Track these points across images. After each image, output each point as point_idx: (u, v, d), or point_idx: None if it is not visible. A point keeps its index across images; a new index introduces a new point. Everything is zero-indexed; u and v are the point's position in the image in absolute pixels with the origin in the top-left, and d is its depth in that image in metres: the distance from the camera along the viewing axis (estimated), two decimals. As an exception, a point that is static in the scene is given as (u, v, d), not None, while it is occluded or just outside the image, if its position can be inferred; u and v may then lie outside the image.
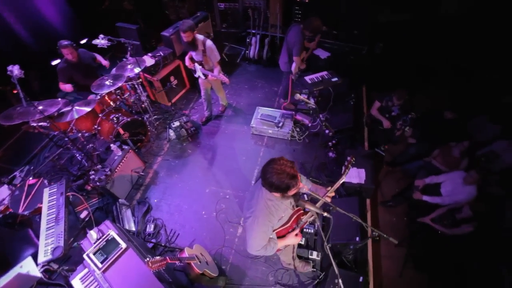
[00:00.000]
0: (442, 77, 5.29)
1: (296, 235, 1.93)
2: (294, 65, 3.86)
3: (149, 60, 4.00)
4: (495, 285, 3.09)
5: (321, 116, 4.35)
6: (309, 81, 3.92)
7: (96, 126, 3.65)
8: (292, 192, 1.55)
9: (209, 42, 3.38)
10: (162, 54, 4.23)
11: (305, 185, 1.76)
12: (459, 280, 3.21)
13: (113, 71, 3.69)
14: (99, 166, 3.26)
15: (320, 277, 2.79)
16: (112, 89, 3.40)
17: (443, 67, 5.34)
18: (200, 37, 3.36)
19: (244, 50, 5.71)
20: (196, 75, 3.83)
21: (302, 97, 2.62)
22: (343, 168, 1.92)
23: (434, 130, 4.42)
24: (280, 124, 4.09)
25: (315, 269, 2.84)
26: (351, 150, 3.80)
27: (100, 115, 3.66)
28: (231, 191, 3.58)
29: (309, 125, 4.31)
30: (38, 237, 2.70)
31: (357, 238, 2.86)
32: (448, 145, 4.01)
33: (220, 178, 3.73)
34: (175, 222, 3.30)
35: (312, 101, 4.55)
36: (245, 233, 1.76)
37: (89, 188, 3.59)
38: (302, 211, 1.94)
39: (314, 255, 2.89)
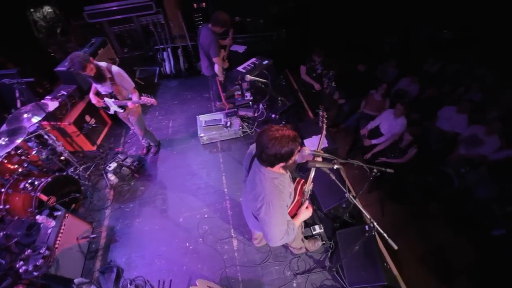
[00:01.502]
0: (339, 44, 6.13)
1: (307, 207, 1.82)
2: (216, 66, 3.76)
3: (51, 104, 3.24)
4: (449, 185, 3.69)
5: (261, 104, 4.43)
6: (243, 70, 3.90)
7: (1, 206, 2.73)
8: (295, 156, 1.43)
9: (115, 68, 2.81)
10: (65, 93, 3.49)
11: (306, 148, 1.66)
12: (424, 193, 3.71)
13: (4, 127, 2.83)
14: (29, 251, 2.42)
15: (331, 246, 2.75)
16: (10, 149, 2.59)
17: (336, 36, 6.22)
18: (102, 64, 2.79)
19: (158, 68, 5.32)
20: (112, 111, 3.16)
21: (253, 77, 2.54)
22: (320, 124, 1.94)
23: (353, 85, 5.02)
24: (228, 124, 3.94)
25: (323, 242, 2.79)
26: (302, 123, 3.95)
27: (2, 190, 2.76)
28: (207, 209, 3.21)
29: (255, 115, 4.30)
30: None
31: (347, 195, 2.95)
32: (370, 93, 4.64)
33: (190, 200, 3.31)
34: (160, 270, 2.73)
35: (247, 94, 4.58)
36: (262, 226, 1.54)
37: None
38: (302, 181, 1.84)
39: (318, 229, 2.84)
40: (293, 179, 1.88)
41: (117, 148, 4.00)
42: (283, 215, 1.52)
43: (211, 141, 3.99)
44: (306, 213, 1.79)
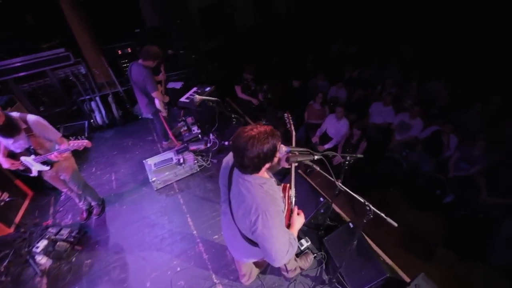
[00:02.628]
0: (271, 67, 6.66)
1: (298, 214, 1.65)
2: (157, 101, 3.55)
3: None
4: (399, 168, 4.04)
5: (211, 135, 4.27)
6: (187, 100, 3.71)
7: None
8: (278, 152, 1.31)
9: (31, 117, 2.31)
10: (-42, 167, 2.69)
11: (282, 145, 1.54)
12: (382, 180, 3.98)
13: None
14: None
15: (323, 256, 2.58)
16: None
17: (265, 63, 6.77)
18: (15, 114, 2.27)
19: (88, 121, 4.73)
20: (35, 173, 2.54)
21: (202, 96, 2.39)
22: (288, 125, 1.90)
23: (292, 101, 5.35)
24: (181, 161, 3.61)
25: (315, 254, 2.60)
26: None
27: None
28: (178, 260, 2.71)
29: (208, 146, 4.09)
30: None
31: (321, 199, 2.90)
32: (309, 104, 4.99)
33: (154, 257, 2.76)
34: None
35: (194, 128, 4.39)
36: (262, 245, 1.31)
37: None
38: (288, 186, 1.70)
39: (304, 243, 2.65)
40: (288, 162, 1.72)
41: (45, 221, 3.19)
42: (282, 223, 1.34)
43: (166, 184, 3.56)
44: (299, 220, 1.62)
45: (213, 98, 2.45)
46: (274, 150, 1.24)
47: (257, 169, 1.27)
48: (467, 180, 3.64)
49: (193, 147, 4.11)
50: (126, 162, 4.06)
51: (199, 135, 4.35)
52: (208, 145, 4.10)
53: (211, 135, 4.26)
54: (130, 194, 3.50)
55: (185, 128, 4.48)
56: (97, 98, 4.62)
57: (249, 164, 1.22)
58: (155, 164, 3.59)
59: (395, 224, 1.42)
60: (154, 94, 3.37)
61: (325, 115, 4.81)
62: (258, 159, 1.20)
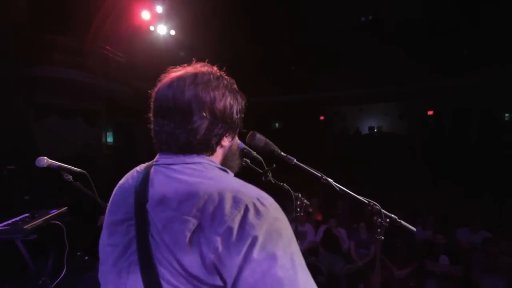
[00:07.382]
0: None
1: None
2: None
3: None
4: (321, 274, 3.59)
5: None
6: (6, 227, 1.95)
7: None
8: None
9: None
10: None
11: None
12: None
13: None
14: None
15: None
16: None
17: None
18: None
19: None
20: None
21: (57, 163, 1.36)
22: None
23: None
24: None
25: None
26: None
27: None
28: None
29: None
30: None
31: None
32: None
33: None
34: None
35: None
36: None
37: None
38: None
39: None
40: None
41: None
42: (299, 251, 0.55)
43: None
44: None
45: (77, 169, 1.44)
46: (241, 112, 0.66)
47: (213, 137, 0.61)
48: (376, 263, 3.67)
49: None
50: None
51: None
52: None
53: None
54: None
55: None
56: None
57: (200, 111, 0.57)
58: None
59: (414, 229, 1.02)
60: None
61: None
62: (224, 107, 0.60)
